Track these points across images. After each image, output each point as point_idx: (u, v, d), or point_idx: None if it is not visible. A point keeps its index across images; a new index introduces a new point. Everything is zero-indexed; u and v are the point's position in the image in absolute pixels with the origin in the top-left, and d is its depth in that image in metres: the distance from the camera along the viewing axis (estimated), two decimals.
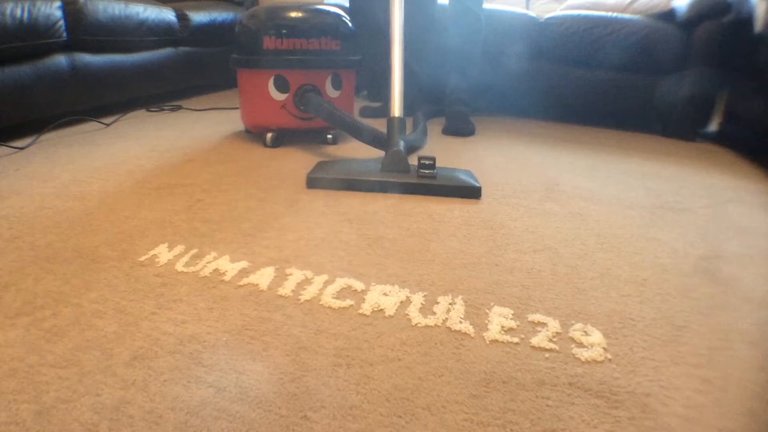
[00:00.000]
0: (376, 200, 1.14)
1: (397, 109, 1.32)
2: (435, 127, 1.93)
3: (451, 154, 1.57)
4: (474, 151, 1.63)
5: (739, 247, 1.00)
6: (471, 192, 1.19)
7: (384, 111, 2.11)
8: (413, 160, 1.27)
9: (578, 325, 0.70)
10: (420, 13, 2.03)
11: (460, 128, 1.85)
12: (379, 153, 1.49)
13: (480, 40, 1.98)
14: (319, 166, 1.29)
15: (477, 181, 1.22)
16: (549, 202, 1.19)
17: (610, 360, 0.63)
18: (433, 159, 1.22)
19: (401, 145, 1.28)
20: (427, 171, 1.21)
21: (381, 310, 0.72)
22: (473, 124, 1.88)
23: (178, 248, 0.88)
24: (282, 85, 1.49)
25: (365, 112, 2.08)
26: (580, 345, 0.66)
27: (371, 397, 0.56)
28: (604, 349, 0.65)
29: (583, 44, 2.04)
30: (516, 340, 0.67)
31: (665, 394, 0.58)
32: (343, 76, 1.58)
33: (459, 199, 1.18)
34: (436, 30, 2.06)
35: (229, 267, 0.82)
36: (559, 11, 2.25)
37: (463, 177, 1.25)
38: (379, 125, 1.46)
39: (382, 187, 1.19)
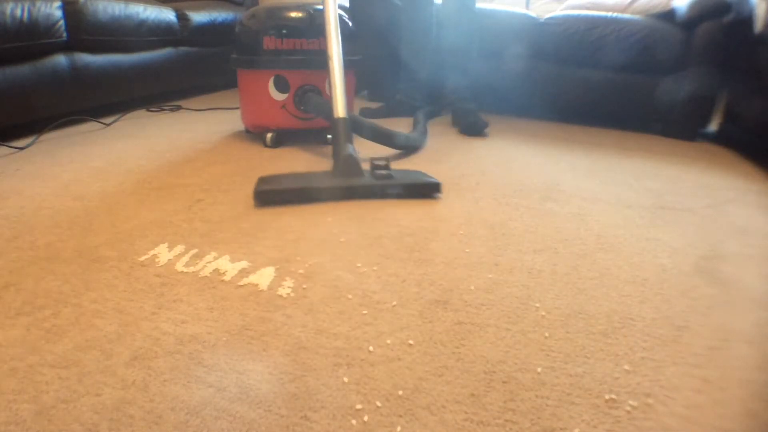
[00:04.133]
0: (375, 200, 1.14)
1: (340, 109, 1.24)
2: (438, 128, 1.93)
3: (451, 154, 1.57)
4: (474, 151, 1.63)
5: (739, 247, 1.00)
6: (430, 188, 1.16)
7: (384, 111, 2.11)
8: (368, 164, 1.20)
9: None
10: (419, 14, 2.03)
11: (478, 126, 1.84)
12: (380, 152, 1.49)
13: (477, 37, 1.99)
14: (264, 180, 1.13)
15: (432, 178, 1.19)
16: (549, 202, 1.19)
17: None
18: (387, 160, 1.17)
19: (350, 148, 1.19)
20: (382, 172, 1.14)
21: (381, 310, 0.72)
22: (484, 119, 1.88)
23: (178, 248, 0.88)
24: (282, 85, 1.49)
25: (365, 114, 2.08)
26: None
27: (371, 397, 0.56)
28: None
29: (583, 44, 2.04)
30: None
31: (665, 394, 0.58)
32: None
33: (458, 199, 1.18)
34: (432, 29, 2.07)
35: (229, 267, 0.82)
36: (559, 11, 2.25)
37: (418, 176, 1.21)
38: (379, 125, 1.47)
39: (337, 194, 1.10)
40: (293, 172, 1.22)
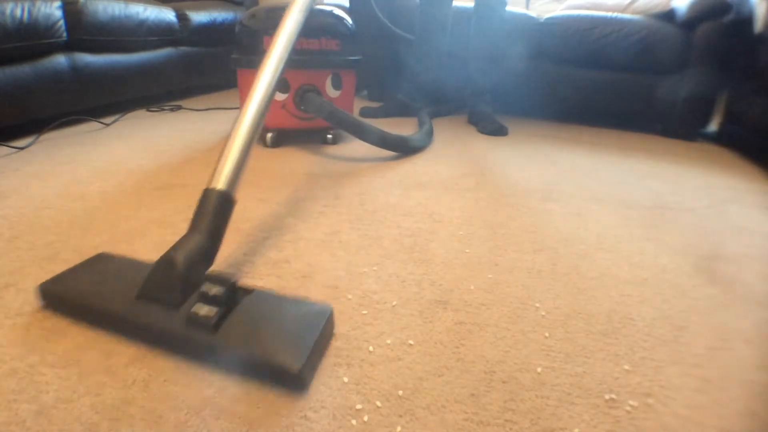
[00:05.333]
0: (375, 199, 1.14)
1: (223, 178, 0.73)
2: (441, 127, 1.93)
3: (451, 154, 1.57)
4: (473, 151, 1.63)
5: (739, 247, 1.00)
6: (277, 372, 0.56)
7: (384, 111, 2.11)
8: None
9: None
10: (428, 16, 2.03)
11: (497, 129, 1.90)
12: (380, 153, 1.49)
13: (502, 41, 2.01)
14: (81, 268, 0.74)
15: (307, 346, 0.58)
16: (549, 202, 1.19)
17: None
18: (230, 284, 0.63)
19: (200, 243, 0.67)
20: (204, 311, 0.60)
21: (381, 310, 0.72)
22: (503, 124, 1.94)
23: None
24: (282, 85, 1.49)
25: (365, 113, 2.08)
26: None
27: (371, 397, 0.56)
28: None
29: (583, 44, 2.05)
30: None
31: (665, 394, 0.58)
32: (343, 76, 1.58)
33: (458, 199, 1.18)
34: (445, 33, 2.07)
35: (228, 267, 0.82)
36: (559, 11, 2.25)
37: (282, 337, 0.59)
38: (380, 126, 1.46)
39: (125, 330, 0.64)
40: (127, 261, 0.75)
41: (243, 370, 0.58)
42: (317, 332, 0.60)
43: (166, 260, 0.64)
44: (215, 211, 0.70)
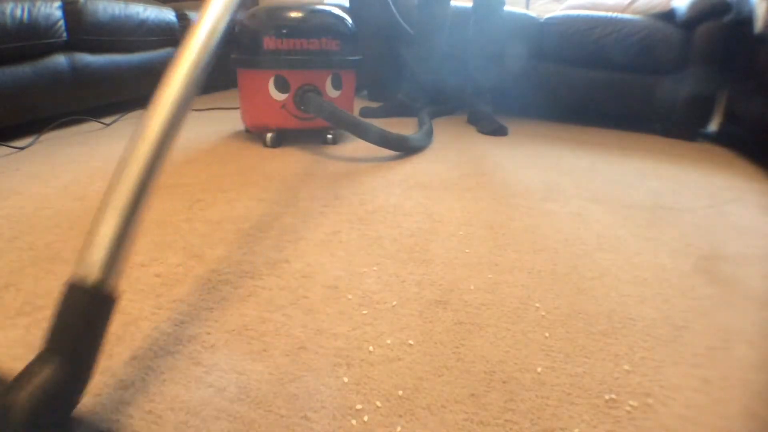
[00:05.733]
0: (375, 199, 1.14)
1: (98, 260, 0.47)
2: (441, 127, 1.93)
3: (451, 154, 1.57)
4: (473, 151, 1.63)
5: (739, 247, 1.00)
6: None
7: (384, 111, 2.11)
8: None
9: None
10: (427, 16, 2.03)
11: (497, 129, 1.90)
12: (381, 153, 1.49)
13: (502, 41, 2.01)
14: None
15: None
16: (549, 202, 1.19)
17: None
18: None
19: (50, 376, 0.43)
20: None
21: (381, 310, 0.72)
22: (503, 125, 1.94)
23: (178, 248, 0.88)
24: (282, 85, 1.49)
25: (365, 113, 2.08)
26: None
27: (371, 397, 0.56)
28: None
29: (583, 44, 2.05)
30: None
31: (665, 394, 0.58)
32: (343, 76, 1.58)
33: (458, 199, 1.18)
34: (443, 32, 2.07)
35: (229, 267, 0.82)
36: (559, 11, 2.25)
37: None
38: (380, 125, 1.46)
39: None
40: None
41: None
42: None
43: (1, 405, 0.40)
44: (83, 319, 0.46)
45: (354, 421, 0.52)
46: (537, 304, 0.75)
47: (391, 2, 2.21)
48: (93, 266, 0.47)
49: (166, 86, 0.56)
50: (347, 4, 2.35)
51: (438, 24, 2.05)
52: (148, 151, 0.52)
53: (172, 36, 2.19)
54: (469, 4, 2.02)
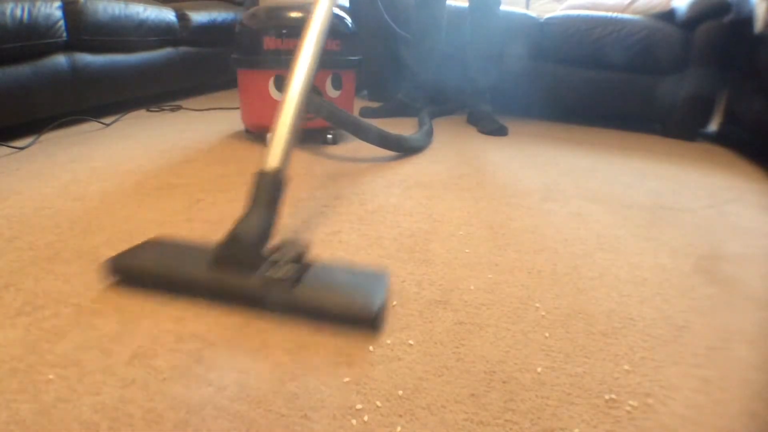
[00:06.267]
0: (375, 199, 1.14)
1: (272, 157, 0.80)
2: (442, 127, 1.93)
3: (451, 154, 1.57)
4: (474, 151, 1.63)
5: (739, 247, 1.00)
6: (353, 318, 0.67)
7: (384, 111, 2.11)
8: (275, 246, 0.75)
9: None
10: (424, 14, 2.03)
11: (497, 128, 1.90)
12: (381, 153, 1.49)
13: (499, 40, 2.01)
14: (142, 247, 0.80)
15: (378, 297, 0.68)
16: (549, 202, 1.19)
17: None
18: (301, 253, 0.72)
19: (251, 225, 0.74)
20: (280, 273, 0.68)
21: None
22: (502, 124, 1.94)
23: None
24: (282, 85, 1.49)
25: (365, 113, 2.09)
26: None
27: (371, 397, 0.56)
28: None
29: (583, 44, 2.05)
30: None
31: (665, 394, 0.58)
32: (343, 76, 1.58)
33: (458, 199, 1.18)
34: (441, 31, 2.07)
35: None
36: (559, 11, 2.25)
37: (353, 290, 0.71)
38: (380, 125, 1.46)
39: (206, 294, 0.72)
40: (183, 244, 0.83)
41: (320, 319, 0.67)
42: (384, 287, 0.72)
43: (234, 235, 0.72)
44: (271, 189, 0.77)
45: (354, 421, 0.52)
46: (537, 304, 0.75)
47: (381, 5, 2.21)
48: (274, 159, 0.80)
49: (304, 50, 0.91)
50: (347, 4, 2.35)
51: (436, 24, 2.05)
52: (300, 87, 0.87)
53: (172, 36, 2.19)
54: (465, 4, 2.02)
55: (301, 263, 0.71)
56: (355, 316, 0.66)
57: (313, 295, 0.68)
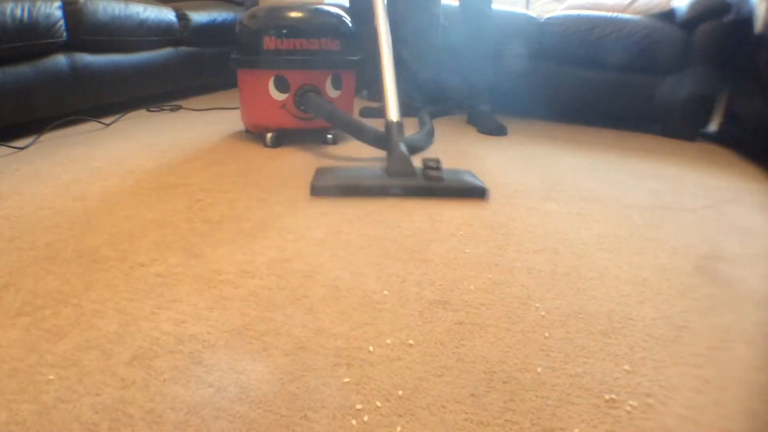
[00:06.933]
0: (375, 199, 1.14)
1: (393, 112, 1.31)
2: (442, 127, 1.92)
3: (452, 154, 1.56)
4: (474, 151, 1.63)
5: (739, 247, 1.00)
6: (477, 192, 1.19)
7: (383, 111, 2.11)
8: (419, 161, 1.26)
9: None
10: (420, 13, 2.03)
11: (497, 128, 1.90)
12: (380, 154, 1.49)
13: (493, 40, 2.01)
14: (320, 173, 1.24)
15: (481, 182, 1.22)
16: (549, 202, 1.19)
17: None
18: (438, 161, 1.22)
19: (402, 147, 1.26)
20: (433, 173, 1.19)
21: (381, 310, 0.72)
22: (502, 124, 1.94)
23: (178, 248, 0.88)
24: (282, 85, 1.49)
25: (365, 112, 2.08)
26: None
27: (371, 397, 0.56)
28: None
29: (583, 44, 2.05)
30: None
31: (665, 394, 0.58)
32: (343, 76, 1.58)
33: (459, 199, 1.18)
34: (437, 29, 2.07)
35: (229, 267, 0.82)
36: (559, 11, 2.25)
37: (468, 178, 1.25)
38: (380, 125, 1.46)
39: (389, 192, 1.17)
40: (347, 166, 1.38)
41: (457, 194, 1.19)
42: (482, 183, 1.23)
43: (399, 155, 1.24)
44: (401, 131, 1.31)
45: (354, 421, 0.52)
46: (537, 304, 0.75)
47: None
48: (393, 114, 1.32)
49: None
50: (347, 4, 2.34)
51: (433, 23, 2.05)
52: (385, 44, 1.37)
53: (172, 36, 2.19)
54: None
55: (438, 167, 1.21)
56: (477, 190, 1.20)
57: (452, 183, 1.20)
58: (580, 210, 1.15)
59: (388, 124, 1.31)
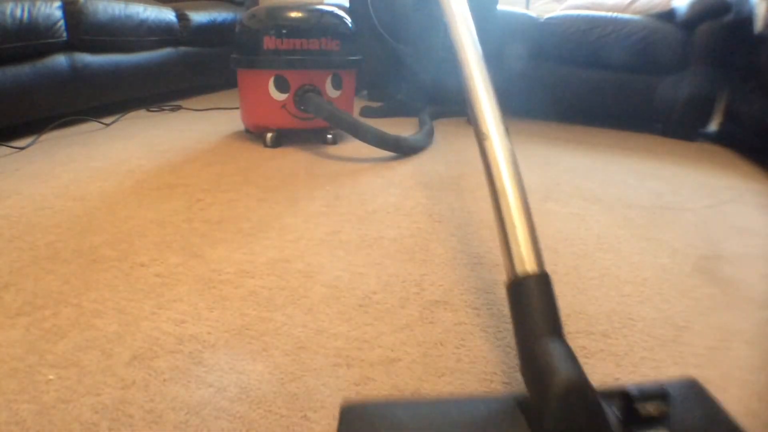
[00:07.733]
0: (375, 199, 1.14)
1: (528, 259, 0.58)
2: (442, 127, 1.93)
3: (452, 154, 1.57)
4: (474, 151, 1.63)
5: (739, 247, 1.00)
6: None
7: (385, 111, 2.11)
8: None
9: None
10: (421, 12, 2.03)
11: None
12: (381, 154, 1.49)
13: (496, 40, 2.00)
14: (360, 418, 0.49)
15: None
16: (549, 202, 1.19)
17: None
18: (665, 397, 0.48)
19: (569, 368, 0.47)
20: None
21: (381, 310, 0.72)
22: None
23: (178, 248, 0.88)
24: (282, 85, 1.49)
25: (365, 113, 2.09)
26: None
27: (371, 397, 0.56)
28: None
29: (583, 44, 2.05)
30: None
31: None
32: (343, 76, 1.58)
33: (458, 199, 1.18)
34: (439, 29, 2.07)
35: (229, 267, 0.82)
36: (559, 11, 2.25)
37: None
38: (380, 125, 1.47)
39: None
40: (404, 400, 0.60)
41: None
42: None
43: (570, 386, 0.45)
44: (544, 299, 0.57)
45: None
46: None
47: (372, 10, 2.20)
48: (528, 260, 0.58)
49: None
50: (347, 4, 2.34)
51: (434, 23, 2.05)
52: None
53: (172, 36, 2.19)
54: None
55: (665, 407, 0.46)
56: None
57: None
58: (580, 210, 1.15)
59: (518, 288, 0.56)
